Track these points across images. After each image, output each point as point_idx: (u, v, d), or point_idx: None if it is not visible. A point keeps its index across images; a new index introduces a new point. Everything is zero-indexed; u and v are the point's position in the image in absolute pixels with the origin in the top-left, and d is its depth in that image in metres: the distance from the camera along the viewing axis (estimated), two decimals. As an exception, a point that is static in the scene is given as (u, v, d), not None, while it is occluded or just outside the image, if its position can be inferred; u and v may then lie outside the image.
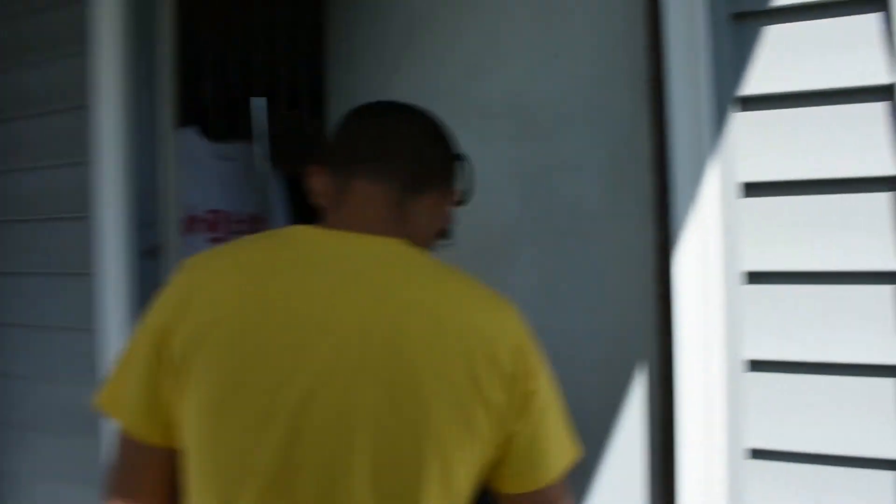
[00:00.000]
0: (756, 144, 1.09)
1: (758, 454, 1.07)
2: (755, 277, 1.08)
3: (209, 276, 0.91)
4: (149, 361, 0.90)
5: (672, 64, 1.13)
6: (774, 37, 1.08)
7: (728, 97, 1.10)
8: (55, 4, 1.74)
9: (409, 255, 0.91)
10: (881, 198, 1.03)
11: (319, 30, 1.77)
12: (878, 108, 1.03)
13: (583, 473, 1.27)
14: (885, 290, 1.02)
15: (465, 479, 0.85)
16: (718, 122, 1.10)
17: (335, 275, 0.88)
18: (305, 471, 0.82)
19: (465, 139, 1.07)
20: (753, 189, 1.08)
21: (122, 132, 1.62)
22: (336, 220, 0.94)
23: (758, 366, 1.07)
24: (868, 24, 1.03)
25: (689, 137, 1.11)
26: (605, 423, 1.27)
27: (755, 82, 1.09)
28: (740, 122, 1.09)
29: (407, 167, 0.96)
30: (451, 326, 0.85)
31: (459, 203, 1.11)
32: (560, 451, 0.90)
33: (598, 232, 1.33)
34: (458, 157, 1.03)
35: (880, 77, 1.03)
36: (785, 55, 1.08)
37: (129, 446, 0.94)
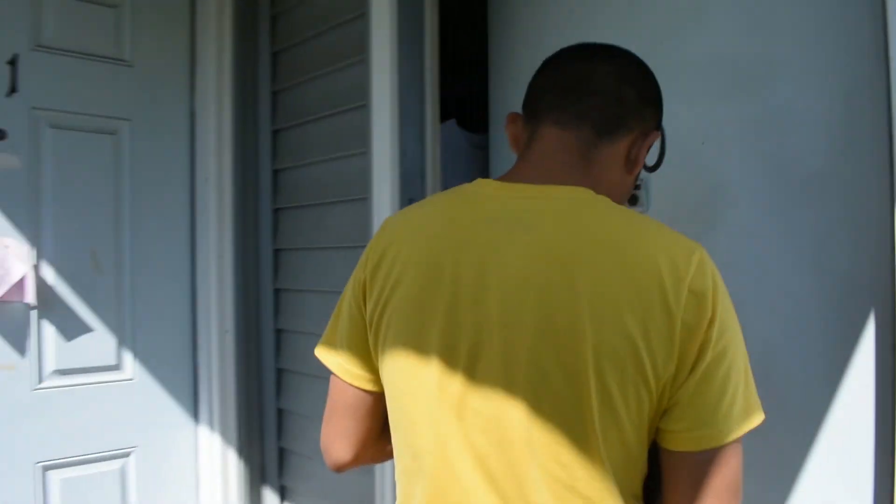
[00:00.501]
0: None
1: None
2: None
3: (398, 233, 0.94)
4: (352, 314, 0.97)
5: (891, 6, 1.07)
6: None
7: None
8: (342, 22, 2.05)
9: (585, 201, 0.86)
10: None
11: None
12: None
13: (804, 440, 1.23)
14: None
15: (636, 433, 0.81)
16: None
17: (504, 228, 0.85)
18: (479, 421, 0.84)
19: (667, 99, 1.02)
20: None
21: (394, 126, 1.84)
22: (520, 169, 0.93)
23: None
24: None
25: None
26: (828, 387, 1.22)
27: None
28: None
29: (598, 108, 0.90)
30: (623, 272, 0.79)
31: (652, 168, 1.04)
32: (735, 411, 0.80)
33: (823, 191, 1.23)
34: (659, 101, 0.95)
35: None
36: None
37: (340, 391, 1.00)
